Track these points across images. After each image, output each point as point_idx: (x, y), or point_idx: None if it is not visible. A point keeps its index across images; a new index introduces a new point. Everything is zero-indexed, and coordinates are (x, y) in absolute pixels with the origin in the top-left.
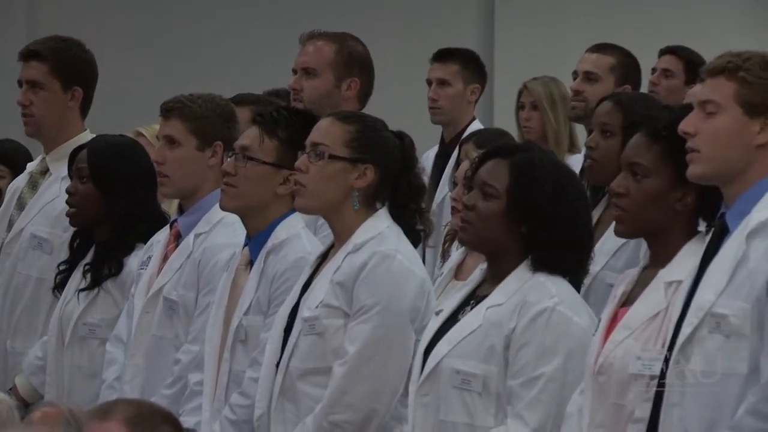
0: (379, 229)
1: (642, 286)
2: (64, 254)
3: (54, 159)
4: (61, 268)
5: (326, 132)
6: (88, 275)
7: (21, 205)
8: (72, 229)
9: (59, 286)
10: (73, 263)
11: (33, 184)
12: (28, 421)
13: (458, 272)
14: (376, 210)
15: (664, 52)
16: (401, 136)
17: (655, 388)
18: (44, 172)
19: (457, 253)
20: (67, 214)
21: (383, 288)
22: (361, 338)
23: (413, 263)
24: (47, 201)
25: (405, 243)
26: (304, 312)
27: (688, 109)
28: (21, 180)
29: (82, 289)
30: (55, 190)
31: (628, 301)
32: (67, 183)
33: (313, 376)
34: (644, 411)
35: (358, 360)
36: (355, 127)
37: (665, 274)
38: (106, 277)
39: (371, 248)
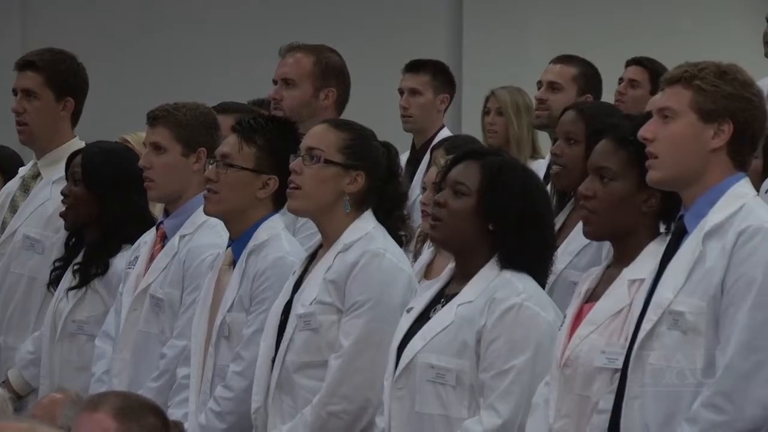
0: (366, 229)
1: (606, 284)
2: (55, 254)
3: (45, 164)
4: (56, 265)
5: (321, 137)
6: (77, 275)
7: (14, 208)
8: (62, 231)
9: (54, 283)
10: (67, 261)
11: (25, 188)
12: (37, 405)
13: (428, 272)
14: (363, 213)
15: (630, 63)
16: (388, 146)
17: (618, 381)
18: (36, 176)
19: (426, 253)
20: (61, 215)
21: (374, 285)
22: (354, 332)
23: (401, 261)
24: (39, 204)
25: (392, 242)
26: (298, 309)
27: (650, 116)
28: (13, 184)
29: (71, 288)
30: (46, 193)
31: (592, 297)
32: (58, 187)
33: (308, 369)
34: (608, 402)
35: (353, 353)
36: (349, 135)
37: (629, 273)
38: (94, 277)
39: (361, 247)
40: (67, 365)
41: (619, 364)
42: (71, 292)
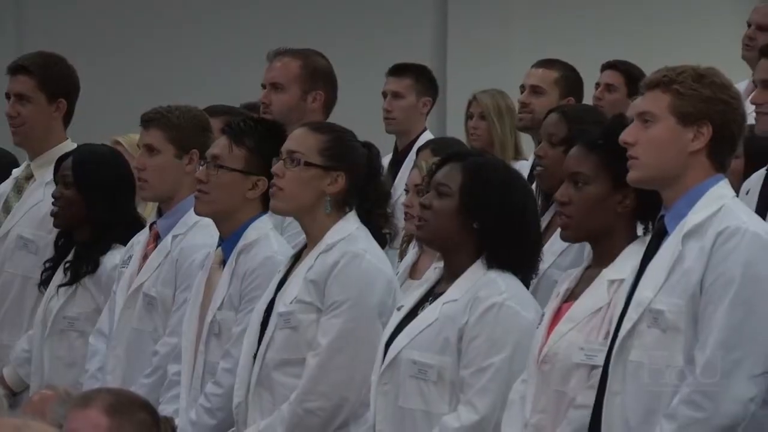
0: (349, 230)
1: (585, 284)
2: (48, 254)
3: (38, 166)
4: (47, 266)
5: (301, 141)
6: (68, 272)
7: (7, 209)
8: (55, 231)
9: (44, 283)
10: (57, 261)
11: (18, 189)
12: (27, 403)
13: (413, 271)
14: (346, 213)
15: (605, 67)
16: (368, 146)
17: (597, 377)
18: (29, 177)
19: (411, 253)
20: (52, 214)
21: (353, 285)
22: (332, 331)
23: (381, 262)
24: (32, 205)
25: (373, 243)
26: (279, 307)
27: (618, 118)
28: (7, 185)
29: (62, 285)
30: (39, 194)
31: (571, 296)
32: (50, 188)
33: (287, 366)
34: (585, 398)
35: (330, 351)
36: (328, 137)
37: (608, 273)
38: (84, 275)
39: (342, 248)
40: (57, 361)
41: (598, 361)
42: (62, 289)
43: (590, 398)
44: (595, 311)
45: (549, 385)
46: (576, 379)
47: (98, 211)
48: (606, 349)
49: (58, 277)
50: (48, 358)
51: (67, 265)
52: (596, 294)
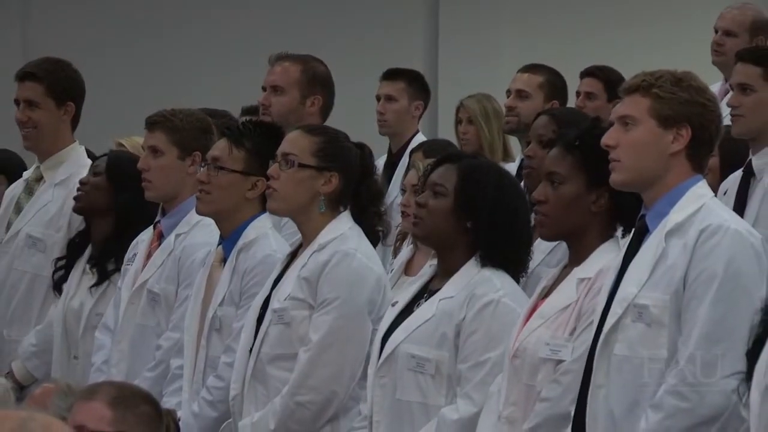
0: (342, 230)
1: (560, 282)
2: (57, 252)
3: (47, 168)
4: (58, 265)
5: (295, 143)
6: (95, 271)
7: (18, 209)
8: (64, 230)
9: (58, 283)
10: (70, 261)
11: (29, 190)
12: (30, 397)
13: (408, 268)
14: (340, 213)
15: (583, 74)
16: (361, 147)
17: (561, 371)
18: (39, 179)
19: (405, 250)
20: (75, 198)
21: (343, 283)
22: (323, 328)
23: (371, 261)
24: (42, 205)
25: (365, 243)
26: (274, 304)
27: (594, 121)
28: (17, 186)
29: (93, 285)
30: (49, 195)
31: (547, 294)
32: (59, 189)
33: (281, 361)
34: (549, 391)
35: (321, 347)
36: (321, 139)
37: (578, 272)
38: (112, 273)
39: (334, 247)
40: (88, 358)
41: (562, 356)
42: (93, 289)
43: (554, 392)
44: (563, 308)
45: (520, 379)
46: (543, 373)
47: (124, 202)
48: (571, 344)
49: (75, 277)
50: (81, 354)
51: (92, 263)
52: (566, 292)
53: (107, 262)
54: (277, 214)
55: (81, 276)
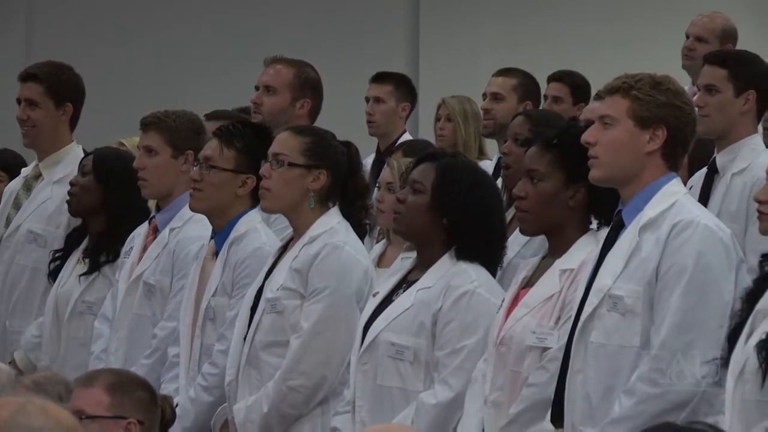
0: (331, 224)
1: (541, 272)
2: (56, 247)
3: (46, 166)
4: (56, 256)
5: (285, 143)
6: (86, 261)
7: (17, 205)
8: (63, 226)
9: (54, 272)
10: (66, 253)
11: (27, 187)
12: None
13: (381, 261)
14: (329, 208)
15: (551, 79)
16: (348, 145)
17: (548, 358)
18: (37, 176)
19: (378, 245)
20: (67, 201)
21: (333, 274)
22: (314, 316)
23: (359, 253)
24: (41, 202)
25: (353, 236)
26: (267, 294)
27: (572, 121)
28: (17, 183)
29: (82, 274)
30: (47, 192)
31: (528, 284)
32: (57, 186)
33: (273, 347)
34: (535, 377)
35: (311, 334)
36: (310, 139)
37: (560, 263)
38: (104, 264)
39: (324, 240)
40: (73, 341)
41: (548, 344)
42: (82, 277)
43: (540, 378)
44: (547, 298)
45: (506, 366)
46: (529, 360)
47: (114, 200)
48: (557, 333)
49: (69, 267)
50: (65, 338)
51: (84, 254)
52: (549, 282)
53: (100, 255)
54: (270, 212)
55: (75, 266)
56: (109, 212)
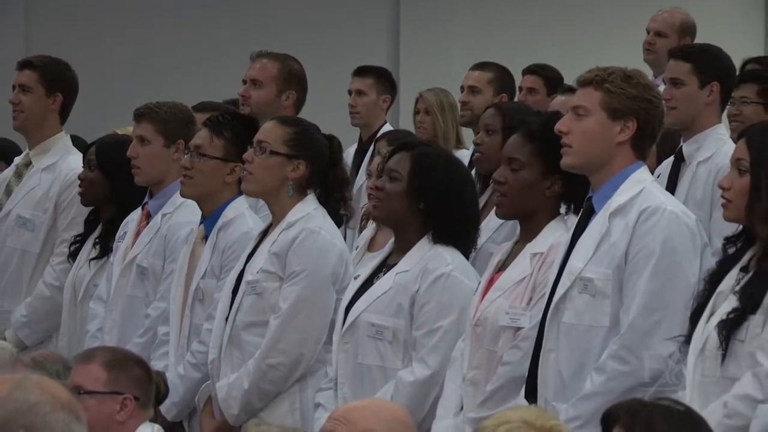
0: (308, 210)
1: (514, 257)
2: (44, 231)
3: (36, 154)
4: (77, 239)
5: (269, 132)
6: (97, 247)
7: (8, 191)
8: (51, 211)
9: (73, 255)
10: (85, 236)
11: (18, 174)
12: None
13: (371, 245)
14: (306, 196)
15: (525, 72)
16: (330, 138)
17: (521, 337)
18: (28, 164)
19: (369, 229)
20: (79, 194)
21: (309, 257)
22: (291, 297)
23: (335, 237)
24: (30, 188)
25: (329, 222)
26: (247, 276)
27: (555, 115)
28: (8, 171)
29: (93, 258)
30: (36, 179)
31: (502, 267)
32: (46, 174)
33: (254, 327)
34: (509, 356)
35: (289, 314)
36: (293, 129)
37: (531, 248)
38: (113, 249)
39: (301, 225)
40: (85, 321)
41: (521, 324)
42: (92, 262)
43: (514, 356)
44: (519, 280)
45: (482, 345)
46: (503, 339)
47: (120, 188)
48: (529, 313)
49: (86, 251)
50: (79, 318)
51: (96, 240)
52: (521, 266)
53: (110, 240)
54: (250, 195)
55: (90, 250)
56: (118, 200)
